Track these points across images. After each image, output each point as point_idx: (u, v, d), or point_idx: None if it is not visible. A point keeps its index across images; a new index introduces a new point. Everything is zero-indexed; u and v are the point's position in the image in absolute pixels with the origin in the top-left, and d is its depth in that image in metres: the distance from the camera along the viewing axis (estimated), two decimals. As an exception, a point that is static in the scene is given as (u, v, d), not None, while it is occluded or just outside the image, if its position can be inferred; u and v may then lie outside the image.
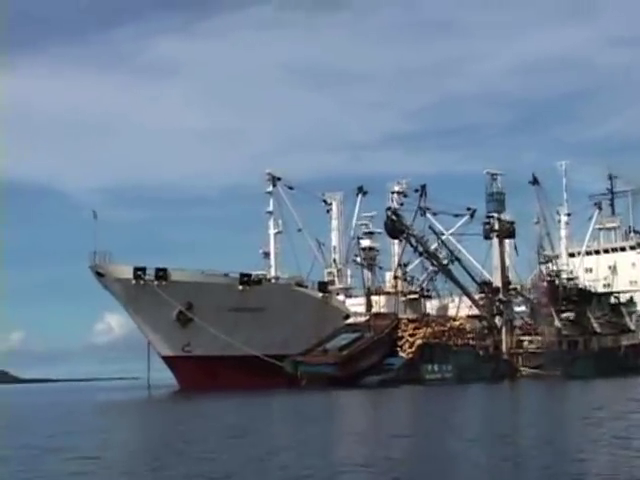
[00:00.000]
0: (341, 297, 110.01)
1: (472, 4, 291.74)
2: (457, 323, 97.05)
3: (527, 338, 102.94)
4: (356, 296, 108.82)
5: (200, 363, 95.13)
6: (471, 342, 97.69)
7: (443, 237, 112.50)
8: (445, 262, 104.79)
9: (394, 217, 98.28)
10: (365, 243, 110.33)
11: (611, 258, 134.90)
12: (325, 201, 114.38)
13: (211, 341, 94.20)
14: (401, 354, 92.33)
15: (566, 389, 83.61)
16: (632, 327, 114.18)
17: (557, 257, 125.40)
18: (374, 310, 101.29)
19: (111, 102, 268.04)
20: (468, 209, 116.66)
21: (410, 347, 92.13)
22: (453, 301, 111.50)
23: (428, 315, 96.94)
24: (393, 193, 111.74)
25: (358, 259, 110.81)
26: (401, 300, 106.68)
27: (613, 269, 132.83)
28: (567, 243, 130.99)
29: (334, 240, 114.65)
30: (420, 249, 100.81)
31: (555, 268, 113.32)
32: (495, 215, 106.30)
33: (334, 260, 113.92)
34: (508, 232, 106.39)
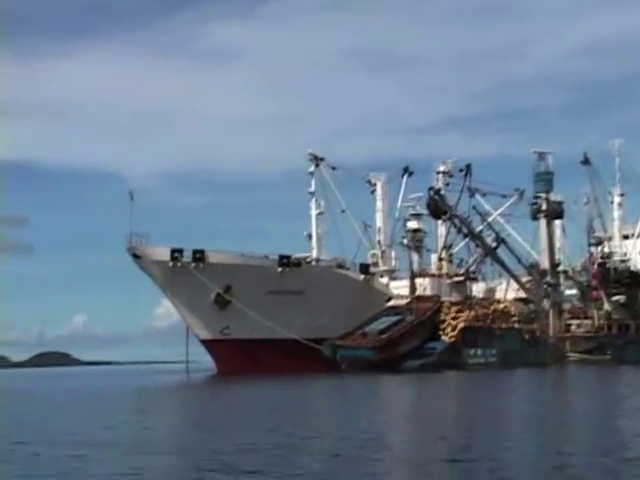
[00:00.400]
0: (385, 279, 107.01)
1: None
2: (502, 306, 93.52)
3: (575, 322, 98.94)
4: (401, 279, 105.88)
5: (239, 346, 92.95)
6: (516, 326, 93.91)
7: (490, 218, 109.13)
8: (492, 244, 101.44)
9: (437, 197, 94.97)
10: (412, 225, 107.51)
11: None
12: (369, 182, 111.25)
13: (250, 324, 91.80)
14: (443, 338, 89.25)
15: (618, 374, 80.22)
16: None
17: (610, 239, 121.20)
18: (418, 293, 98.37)
19: (172, 88, 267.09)
20: (516, 190, 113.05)
21: (452, 331, 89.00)
22: (501, 284, 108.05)
23: (472, 298, 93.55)
24: (438, 173, 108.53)
25: (405, 241, 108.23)
26: (446, 282, 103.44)
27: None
28: (620, 225, 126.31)
29: (378, 221, 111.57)
30: (464, 230, 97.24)
31: (606, 250, 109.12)
32: (543, 195, 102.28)
33: (378, 242, 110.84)
34: (556, 213, 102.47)
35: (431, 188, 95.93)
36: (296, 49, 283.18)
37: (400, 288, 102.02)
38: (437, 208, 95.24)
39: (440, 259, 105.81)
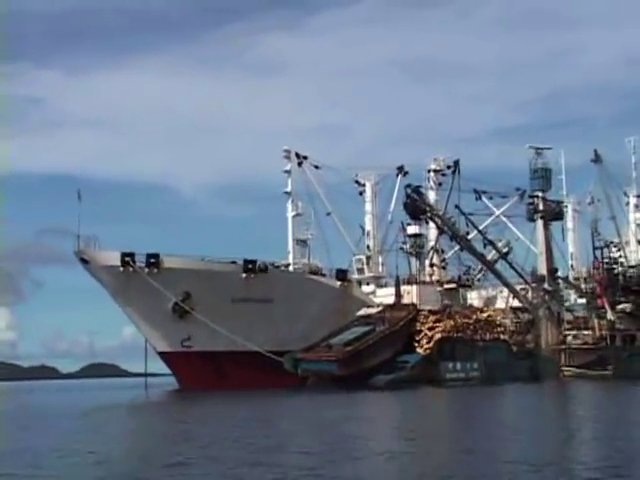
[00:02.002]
0: (371, 287, 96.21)
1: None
2: (485, 315, 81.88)
3: (572, 333, 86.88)
4: (391, 285, 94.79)
5: (201, 360, 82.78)
6: (502, 337, 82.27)
7: (489, 220, 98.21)
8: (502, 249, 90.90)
9: (415, 195, 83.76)
10: (411, 230, 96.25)
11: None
12: (358, 182, 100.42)
13: (213, 335, 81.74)
14: (418, 350, 77.84)
15: (617, 390, 68.97)
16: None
17: (626, 243, 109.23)
18: (405, 301, 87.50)
19: (221, 100, 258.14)
20: (517, 189, 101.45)
21: (428, 342, 77.72)
22: (502, 291, 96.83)
23: (450, 306, 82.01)
24: (429, 172, 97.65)
25: (406, 246, 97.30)
26: (437, 290, 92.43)
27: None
28: (637, 228, 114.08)
29: (368, 225, 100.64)
30: (448, 232, 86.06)
31: (617, 254, 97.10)
32: (539, 194, 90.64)
33: (367, 246, 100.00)
34: (554, 213, 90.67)
35: (408, 185, 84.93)
36: (343, 60, 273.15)
37: (388, 296, 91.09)
38: (415, 207, 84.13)
39: (431, 265, 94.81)
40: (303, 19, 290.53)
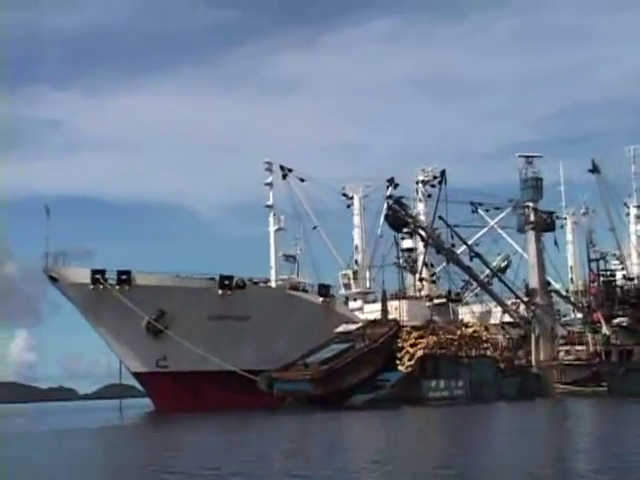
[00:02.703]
0: (358, 303, 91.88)
1: (596, 9, 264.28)
2: (470, 330, 77.22)
3: (565, 348, 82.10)
4: (375, 301, 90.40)
5: (178, 380, 78.65)
6: (489, 353, 77.58)
7: (483, 231, 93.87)
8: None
9: (396, 207, 79.35)
10: (406, 244, 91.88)
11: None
12: (346, 195, 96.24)
13: (190, 355, 77.60)
14: (400, 368, 73.32)
15: (609, 408, 64.62)
16: None
17: (627, 255, 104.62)
18: (393, 317, 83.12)
19: (236, 119, 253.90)
20: (510, 201, 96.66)
21: (410, 360, 73.11)
22: (496, 306, 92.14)
23: (434, 321, 77.47)
24: (418, 183, 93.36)
25: (401, 261, 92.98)
26: (426, 305, 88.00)
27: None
28: (638, 241, 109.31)
29: (356, 239, 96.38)
30: (432, 243, 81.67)
31: (614, 266, 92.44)
32: (530, 205, 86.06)
33: (356, 261, 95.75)
34: (545, 224, 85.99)
35: (390, 197, 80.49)
36: (359, 78, 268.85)
37: (375, 312, 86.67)
38: (397, 219, 79.64)
39: (420, 279, 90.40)
40: (318, 38, 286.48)
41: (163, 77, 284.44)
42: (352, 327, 76.32)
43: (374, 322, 77.47)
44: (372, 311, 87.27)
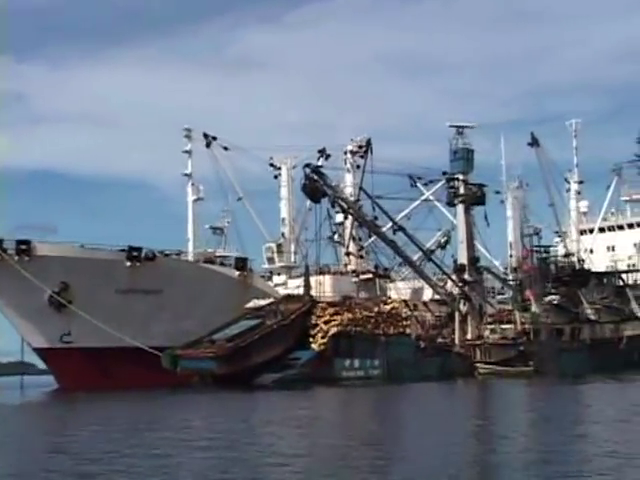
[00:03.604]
0: (282, 277, 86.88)
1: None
2: (388, 307, 72.17)
3: (491, 327, 77.41)
4: (299, 277, 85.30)
5: (84, 357, 73.35)
6: (408, 331, 72.66)
7: (414, 205, 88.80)
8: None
9: (314, 176, 73.98)
10: (339, 218, 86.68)
11: (637, 234, 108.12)
12: (273, 165, 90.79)
13: (97, 330, 72.23)
14: (313, 346, 68.30)
15: (529, 388, 60.54)
16: (639, 314, 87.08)
17: (565, 234, 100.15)
18: (316, 293, 78.11)
19: (201, 96, 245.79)
20: (444, 173, 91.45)
21: (323, 337, 68.05)
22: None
23: (350, 297, 72.39)
24: (346, 153, 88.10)
25: (336, 236, 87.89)
26: (353, 280, 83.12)
27: (639, 247, 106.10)
28: (579, 218, 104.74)
29: (283, 211, 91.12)
30: (354, 215, 76.54)
31: (549, 242, 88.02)
32: (460, 177, 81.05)
33: (282, 235, 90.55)
34: (475, 197, 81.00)
35: (307, 165, 75.02)
36: (326, 56, 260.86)
37: (300, 287, 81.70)
38: (314, 189, 74.24)
39: (347, 253, 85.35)
40: (284, 14, 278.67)
41: (128, 51, 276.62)
42: (263, 302, 71.08)
43: (288, 297, 72.56)
44: (296, 286, 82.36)
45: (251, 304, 71.34)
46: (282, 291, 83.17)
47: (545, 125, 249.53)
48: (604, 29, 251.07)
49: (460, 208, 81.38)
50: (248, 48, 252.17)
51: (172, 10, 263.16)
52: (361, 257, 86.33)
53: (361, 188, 78.11)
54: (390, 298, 77.02)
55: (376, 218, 78.18)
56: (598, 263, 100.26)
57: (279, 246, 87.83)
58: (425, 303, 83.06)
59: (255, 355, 65.98)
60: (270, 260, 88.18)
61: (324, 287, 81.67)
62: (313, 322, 69.26)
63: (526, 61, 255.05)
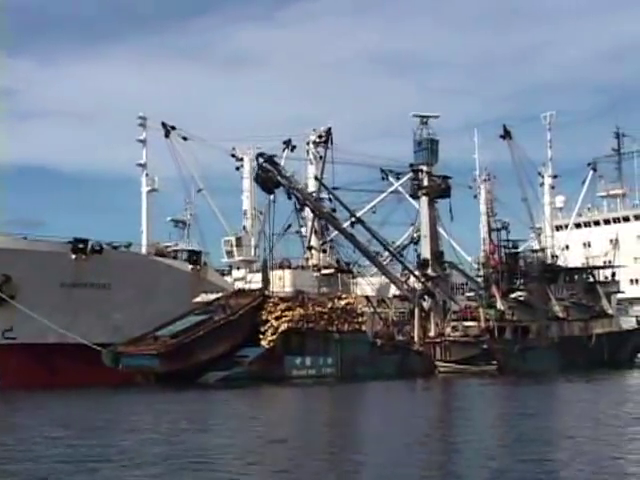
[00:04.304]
0: (242, 271, 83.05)
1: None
2: (343, 303, 68.25)
3: (452, 324, 73.68)
4: (259, 271, 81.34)
5: (27, 353, 69.11)
6: (364, 328, 68.82)
7: (377, 199, 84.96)
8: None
9: (268, 166, 70.02)
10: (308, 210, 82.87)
11: (613, 230, 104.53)
12: (235, 156, 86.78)
13: (42, 325, 68.05)
14: (263, 343, 64.40)
15: (486, 388, 57.52)
16: (609, 311, 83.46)
17: (539, 229, 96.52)
18: (276, 288, 74.40)
19: (191, 93, 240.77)
20: (411, 165, 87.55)
21: (274, 334, 64.16)
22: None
23: (302, 292, 68.47)
24: (309, 144, 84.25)
25: (303, 230, 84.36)
26: (314, 275, 79.35)
27: (615, 243, 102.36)
28: (553, 213, 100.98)
29: (245, 203, 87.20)
30: (310, 207, 72.69)
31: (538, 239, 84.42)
32: (424, 168, 77.25)
33: (244, 228, 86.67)
34: (440, 190, 77.22)
35: (260, 154, 71.02)
36: (317, 52, 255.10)
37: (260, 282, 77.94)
38: (267, 179, 70.23)
39: (309, 247, 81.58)
40: (275, 11, 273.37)
41: (119, 47, 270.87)
42: (211, 297, 67.16)
43: (239, 292, 68.65)
44: (256, 281, 78.49)
45: (199, 299, 67.41)
46: (242, 286, 79.36)
47: (535, 123, 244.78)
48: (595, 27, 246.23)
49: (424, 201, 77.60)
50: (237, 46, 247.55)
51: (162, 7, 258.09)
52: (324, 251, 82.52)
53: (316, 178, 74.32)
54: (352, 294, 73.12)
55: (334, 210, 74.32)
56: (573, 259, 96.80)
57: (238, 239, 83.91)
58: (390, 299, 79.51)
59: (200, 352, 62.15)
60: (229, 254, 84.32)
61: (284, 282, 78.10)
62: (264, 318, 65.32)
63: (516, 59, 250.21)
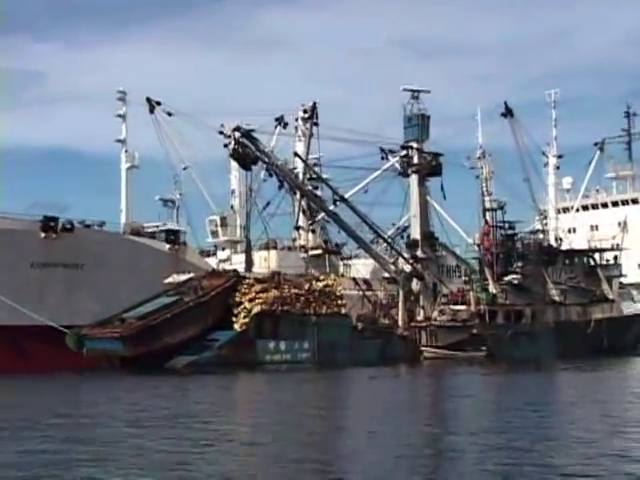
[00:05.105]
0: (227, 252, 79.30)
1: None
2: (321, 285, 64.19)
3: (440, 308, 69.56)
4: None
5: (-1, 336, 65.90)
6: (344, 311, 64.79)
7: (371, 177, 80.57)
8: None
9: (245, 141, 65.98)
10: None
11: (621, 212, 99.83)
12: (223, 133, 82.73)
13: (12, 307, 64.74)
14: (236, 326, 60.66)
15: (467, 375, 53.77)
16: (610, 296, 78.84)
17: (545, 211, 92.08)
18: (257, 269, 70.95)
19: (216, 77, 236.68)
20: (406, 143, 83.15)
21: (247, 317, 60.40)
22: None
23: (279, 273, 64.52)
24: (297, 120, 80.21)
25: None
26: (302, 256, 75.66)
27: (624, 226, 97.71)
28: (558, 195, 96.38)
29: (233, 182, 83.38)
30: (290, 184, 68.63)
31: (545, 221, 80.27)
32: (414, 145, 73.03)
33: (232, 207, 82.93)
34: (430, 167, 72.96)
35: (237, 128, 66.91)
36: (342, 36, 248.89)
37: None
38: (244, 155, 66.18)
39: (297, 227, 77.77)
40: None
41: (145, 31, 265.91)
42: (183, 278, 63.39)
43: (212, 273, 64.90)
44: (241, 262, 74.87)
45: (170, 279, 63.71)
46: (228, 268, 75.68)
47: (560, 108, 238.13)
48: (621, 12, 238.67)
49: (413, 179, 73.39)
50: (263, 29, 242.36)
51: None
52: (313, 232, 78.63)
53: (296, 154, 70.26)
54: (337, 276, 69.24)
55: (316, 188, 70.30)
56: (580, 243, 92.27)
57: (223, 219, 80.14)
58: (381, 282, 75.49)
59: (168, 335, 58.57)
60: (214, 234, 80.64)
61: (269, 263, 74.54)
62: (237, 300, 61.52)
63: (544, 44, 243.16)
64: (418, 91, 73.70)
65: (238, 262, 75.23)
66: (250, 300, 61.31)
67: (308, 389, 46.20)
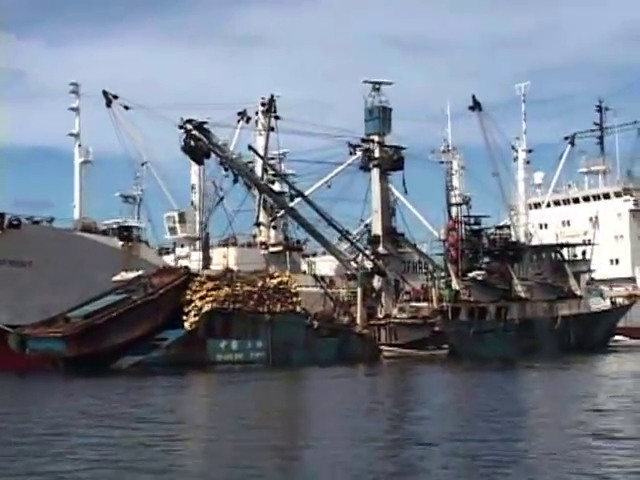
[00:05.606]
0: (185, 249, 76.85)
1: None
2: (275, 282, 61.65)
3: (400, 305, 67.24)
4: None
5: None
6: (299, 309, 62.29)
7: (336, 171, 78.38)
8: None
9: (197, 134, 63.42)
10: (275, 188, 76.72)
11: (593, 208, 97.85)
12: (183, 127, 79.96)
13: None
14: (186, 325, 58.09)
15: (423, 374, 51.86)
16: (578, 292, 76.63)
17: (515, 206, 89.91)
18: (216, 267, 68.49)
19: (200, 73, 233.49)
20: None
21: (196, 315, 57.83)
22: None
23: (232, 270, 62.01)
24: (257, 113, 78.00)
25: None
26: (262, 253, 73.26)
27: (595, 221, 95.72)
28: (528, 190, 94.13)
29: (193, 177, 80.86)
30: (244, 179, 66.13)
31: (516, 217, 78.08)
32: (375, 139, 70.63)
33: (192, 203, 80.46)
34: (392, 161, 70.59)
35: (188, 121, 64.32)
36: (327, 33, 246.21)
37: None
38: (196, 148, 63.64)
39: (257, 224, 75.38)
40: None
41: (128, 28, 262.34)
42: (131, 275, 60.81)
43: (163, 270, 62.33)
44: (199, 259, 72.51)
45: (118, 277, 61.11)
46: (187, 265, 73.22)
47: (547, 105, 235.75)
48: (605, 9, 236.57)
49: (375, 173, 71.01)
50: (246, 25, 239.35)
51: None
52: (274, 228, 76.29)
53: (250, 147, 67.78)
54: (291, 272, 66.85)
55: (273, 182, 67.84)
56: (551, 238, 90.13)
57: (181, 215, 77.77)
58: (343, 279, 73.26)
59: (113, 335, 55.93)
60: (172, 230, 78.29)
61: (228, 260, 72.04)
62: (188, 298, 58.92)
63: (525, 42, 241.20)
64: (379, 83, 71.39)
65: (197, 259, 72.87)
66: (201, 298, 58.70)
67: (250, 391, 43.93)
